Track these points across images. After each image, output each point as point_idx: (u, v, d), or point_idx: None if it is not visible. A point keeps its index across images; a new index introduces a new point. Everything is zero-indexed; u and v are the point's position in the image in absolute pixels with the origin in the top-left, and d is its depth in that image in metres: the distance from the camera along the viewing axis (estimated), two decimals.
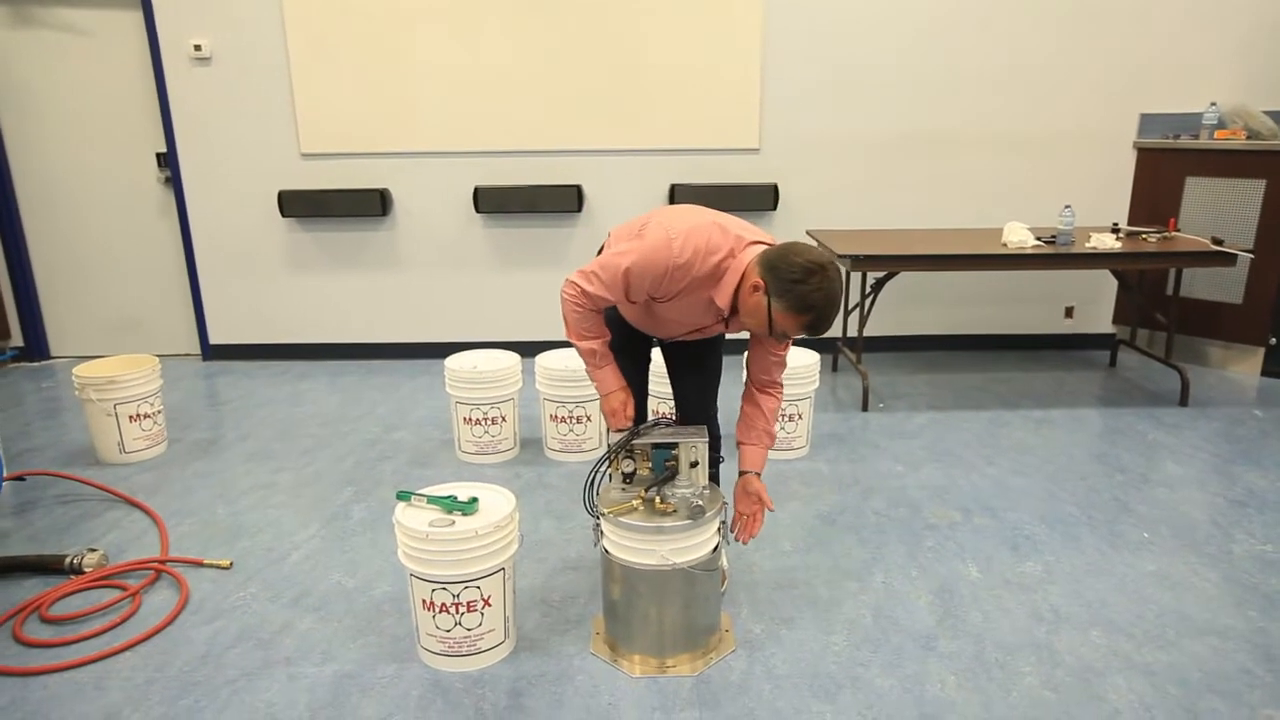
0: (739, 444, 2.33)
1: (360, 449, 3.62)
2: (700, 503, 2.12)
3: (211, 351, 4.94)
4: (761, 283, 1.93)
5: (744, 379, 2.36)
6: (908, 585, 2.55)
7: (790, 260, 1.90)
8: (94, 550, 2.65)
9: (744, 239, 2.03)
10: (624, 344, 2.30)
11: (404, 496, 2.22)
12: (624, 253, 2.04)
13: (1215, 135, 4.38)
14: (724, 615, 2.36)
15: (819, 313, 1.91)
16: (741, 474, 2.30)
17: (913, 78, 4.53)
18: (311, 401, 4.24)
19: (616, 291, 2.08)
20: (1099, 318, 4.95)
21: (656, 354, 2.53)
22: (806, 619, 2.38)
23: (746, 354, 2.32)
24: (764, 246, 2.02)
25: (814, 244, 2.06)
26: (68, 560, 2.59)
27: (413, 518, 2.13)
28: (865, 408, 4.03)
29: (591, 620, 2.38)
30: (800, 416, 3.43)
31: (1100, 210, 4.68)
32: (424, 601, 2.12)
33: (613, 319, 2.27)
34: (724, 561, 2.47)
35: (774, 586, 2.54)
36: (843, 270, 1.96)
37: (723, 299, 2.02)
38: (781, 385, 2.31)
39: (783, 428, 3.43)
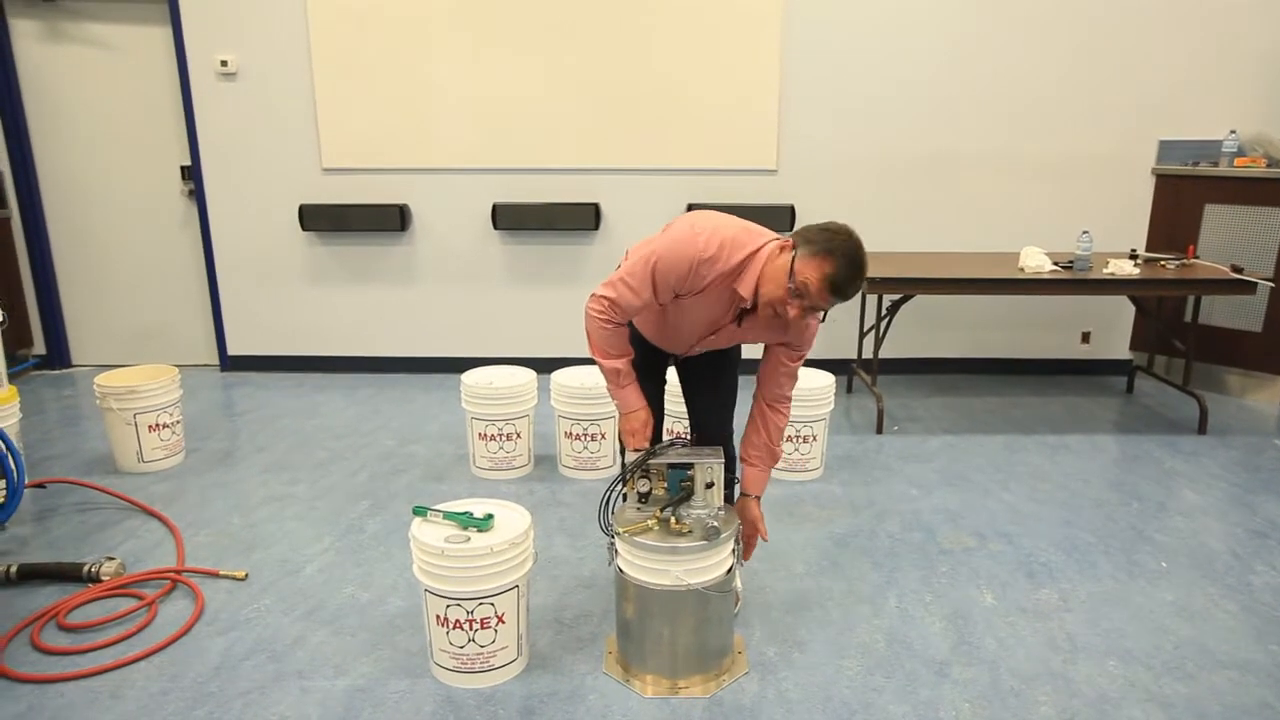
0: (742, 460, 2.36)
1: (375, 462, 3.64)
2: (715, 524, 2.12)
3: (230, 362, 4.99)
4: (789, 242, 1.98)
5: (754, 395, 2.35)
6: (921, 610, 2.53)
7: (816, 225, 1.98)
8: (112, 559, 2.67)
9: (769, 237, 2.08)
10: (641, 363, 2.30)
11: (420, 512, 2.24)
12: (650, 251, 2.06)
13: (1235, 163, 4.37)
14: (737, 637, 2.36)
15: (844, 261, 1.91)
16: (741, 495, 2.33)
17: (931, 102, 4.54)
18: (328, 414, 4.26)
19: (645, 291, 2.08)
20: (1116, 344, 4.92)
21: (671, 374, 2.54)
22: (819, 642, 2.37)
23: (759, 370, 2.32)
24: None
25: None
26: (86, 568, 2.62)
27: (428, 533, 2.14)
28: (880, 430, 4.02)
29: (604, 640, 2.37)
30: (815, 438, 3.43)
31: (1118, 236, 4.67)
32: (438, 617, 2.13)
33: (630, 337, 2.29)
34: (738, 583, 2.47)
35: (787, 609, 2.53)
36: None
37: (746, 288, 2.04)
38: (790, 401, 2.32)
39: (796, 449, 3.42)
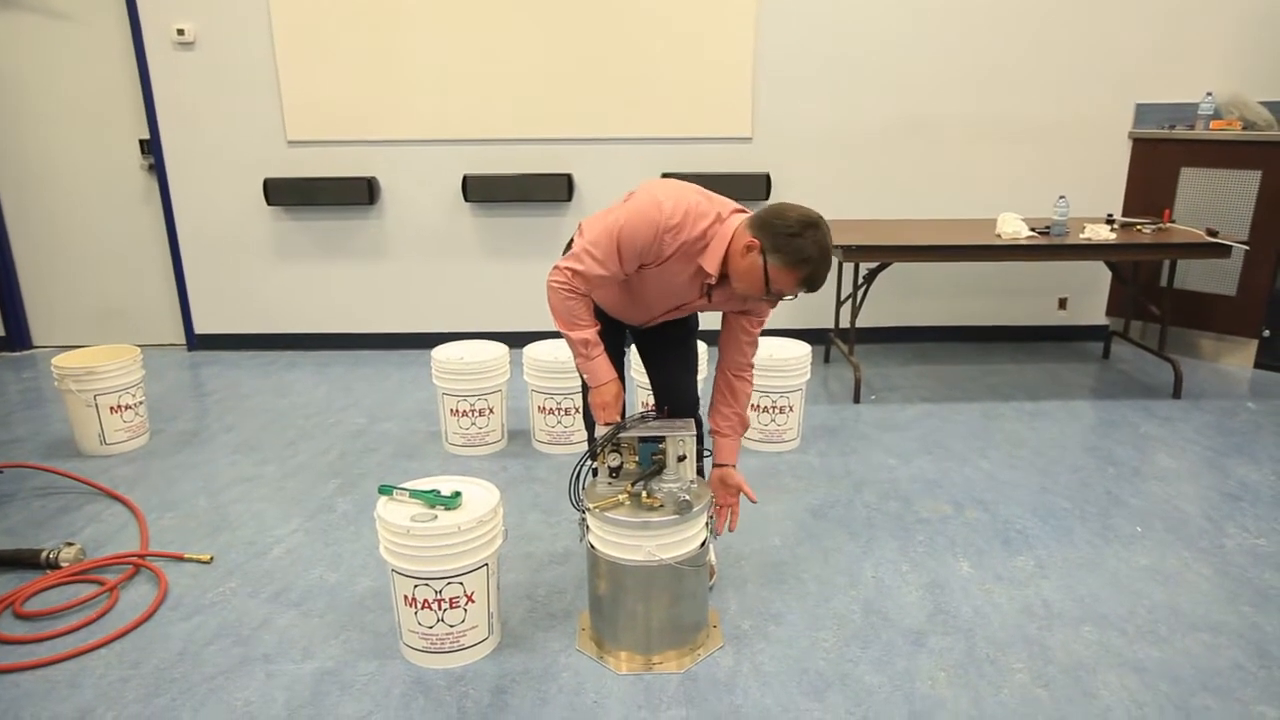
0: (712, 433, 2.35)
1: (346, 441, 3.57)
2: (687, 497, 2.08)
3: (197, 341, 4.88)
4: (756, 242, 1.95)
5: (716, 367, 2.35)
6: (898, 580, 2.52)
7: (784, 216, 1.94)
8: (71, 544, 2.60)
9: (729, 206, 2.08)
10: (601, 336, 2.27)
11: (386, 490, 2.18)
12: (614, 221, 2.03)
13: (1211, 126, 4.34)
14: (711, 611, 2.33)
15: (815, 266, 1.93)
16: (717, 466, 2.31)
17: (907, 67, 4.48)
18: (297, 392, 4.18)
19: (611, 262, 2.04)
20: (1093, 309, 4.92)
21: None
22: (795, 614, 2.35)
23: (719, 340, 2.32)
24: (748, 215, 2.06)
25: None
26: (44, 554, 2.54)
27: (394, 512, 2.09)
28: (857, 399, 4.00)
29: (578, 616, 2.34)
30: (791, 408, 3.40)
31: (1095, 201, 4.65)
32: (406, 597, 2.08)
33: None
34: (712, 556, 2.44)
35: (762, 582, 2.51)
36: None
37: (712, 264, 2.03)
38: (753, 368, 2.34)
39: (773, 419, 3.39)
